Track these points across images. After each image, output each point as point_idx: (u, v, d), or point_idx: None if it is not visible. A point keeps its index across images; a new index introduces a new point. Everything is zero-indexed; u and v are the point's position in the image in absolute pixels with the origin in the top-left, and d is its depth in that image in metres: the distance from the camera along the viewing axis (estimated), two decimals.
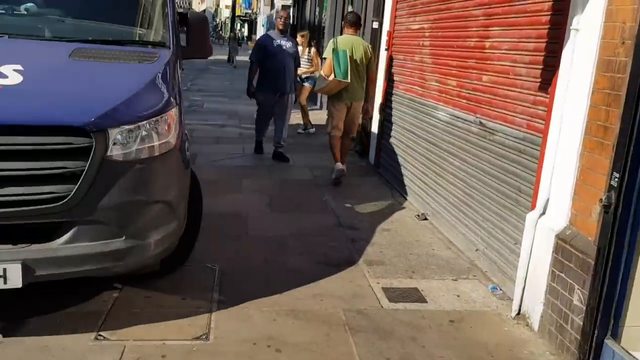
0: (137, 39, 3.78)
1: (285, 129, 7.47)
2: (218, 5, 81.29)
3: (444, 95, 5.27)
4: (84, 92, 2.98)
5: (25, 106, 2.74)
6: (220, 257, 4.14)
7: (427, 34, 5.80)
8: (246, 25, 62.99)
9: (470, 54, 4.68)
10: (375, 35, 7.53)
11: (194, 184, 3.77)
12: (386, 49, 7.06)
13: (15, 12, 3.61)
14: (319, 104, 12.07)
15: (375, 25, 7.50)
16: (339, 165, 6.43)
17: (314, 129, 9.38)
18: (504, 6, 4.21)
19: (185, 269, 3.84)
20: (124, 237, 2.91)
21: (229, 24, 43.67)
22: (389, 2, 7.05)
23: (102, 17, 3.83)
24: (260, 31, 38.06)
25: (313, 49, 9.66)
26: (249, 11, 52.77)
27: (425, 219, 5.34)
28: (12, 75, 2.84)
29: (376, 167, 7.17)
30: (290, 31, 8.34)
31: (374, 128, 7.41)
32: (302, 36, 9.50)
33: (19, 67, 2.91)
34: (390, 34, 6.94)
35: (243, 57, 32.80)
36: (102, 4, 3.95)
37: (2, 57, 3.00)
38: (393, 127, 6.66)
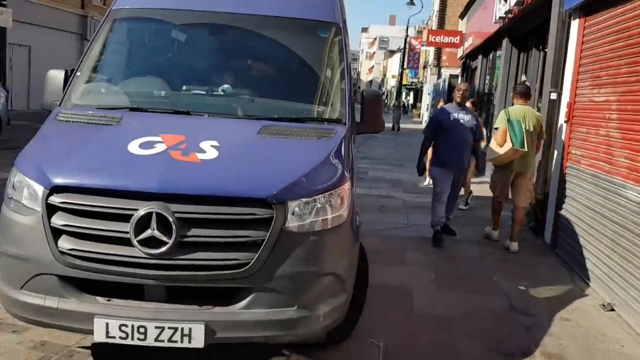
0: (316, 116, 3.98)
1: (456, 204, 7.25)
2: (385, 75, 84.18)
3: (634, 173, 4.78)
4: (268, 166, 3.18)
5: (218, 179, 2.98)
6: (384, 333, 4.05)
7: (614, 107, 5.37)
8: (411, 94, 64.15)
9: None
10: (553, 106, 7.15)
11: (361, 256, 3.78)
12: (566, 121, 6.66)
13: (214, 93, 4.03)
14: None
15: (554, 96, 7.12)
16: (495, 233, 6.94)
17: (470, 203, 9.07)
18: None
19: (350, 341, 3.81)
20: (295, 307, 2.98)
21: (395, 93, 44.82)
22: (569, 72, 6.70)
23: (286, 96, 4.11)
24: (426, 99, 38.46)
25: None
26: (415, 80, 53.78)
27: (612, 309, 4.76)
28: (210, 151, 3.13)
29: (552, 247, 6.63)
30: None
31: (551, 204, 6.92)
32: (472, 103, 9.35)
33: (215, 142, 3.21)
34: (570, 106, 6.55)
35: (407, 125, 33.33)
36: (287, 84, 4.25)
37: (202, 133, 3.34)
38: (573, 204, 6.16)
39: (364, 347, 3.82)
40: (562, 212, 6.43)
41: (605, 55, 5.69)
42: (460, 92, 6.95)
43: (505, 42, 11.81)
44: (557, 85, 7.07)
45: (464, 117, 6.76)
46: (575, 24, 6.67)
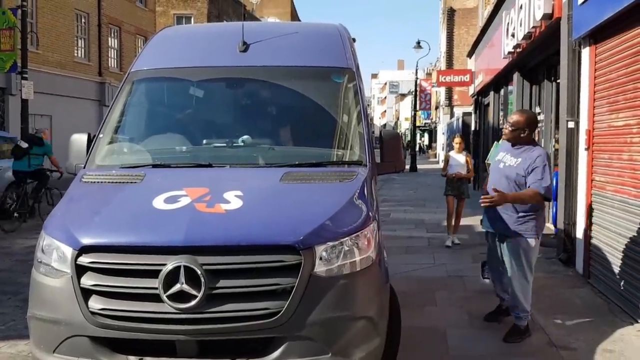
0: (336, 159, 4.00)
1: (518, 294, 4.77)
2: (398, 118, 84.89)
3: None
4: (293, 212, 3.19)
5: (244, 228, 2.99)
6: None
7: (635, 130, 5.32)
8: (426, 135, 64.44)
9: None
10: (572, 134, 7.10)
11: (392, 298, 3.71)
12: (586, 149, 6.60)
13: (234, 144, 4.09)
14: None
15: (571, 124, 7.08)
16: None
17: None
18: None
19: None
20: (330, 354, 2.91)
21: (409, 135, 45.06)
22: (585, 100, 6.69)
23: (306, 142, 4.16)
24: (441, 139, 38.55)
25: (466, 153, 9.28)
26: (428, 121, 54.11)
27: None
28: (234, 201, 3.15)
29: (586, 277, 6.45)
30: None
31: (579, 233, 6.78)
32: (458, 143, 9.18)
33: (239, 192, 3.23)
34: (589, 133, 6.51)
35: (424, 165, 33.31)
36: (306, 130, 4.30)
37: (225, 184, 3.37)
38: (603, 231, 6.03)
39: None
40: (593, 240, 6.29)
41: (621, 80, 5.68)
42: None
43: (516, 76, 11.87)
44: (574, 114, 7.04)
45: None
46: (586, 52, 6.70)
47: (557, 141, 8.56)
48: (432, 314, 5.40)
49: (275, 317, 2.82)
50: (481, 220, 5.03)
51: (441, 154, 36.54)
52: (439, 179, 25.72)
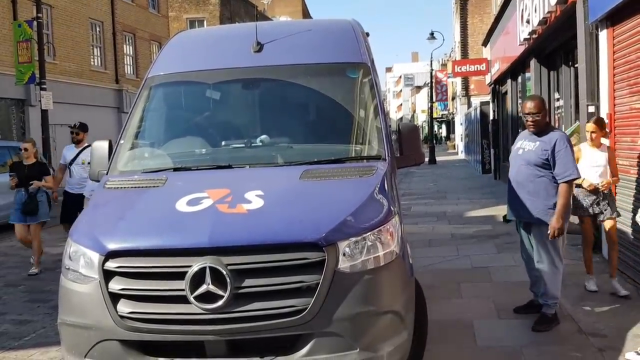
0: (355, 155, 4.00)
1: (548, 281, 4.70)
2: (414, 111, 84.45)
3: None
4: (315, 210, 3.19)
5: (267, 227, 3.00)
6: None
7: None
8: (443, 126, 64.04)
9: None
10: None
11: (417, 292, 3.69)
12: (608, 132, 6.49)
13: (252, 144, 4.11)
14: None
15: (592, 109, 6.98)
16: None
17: None
18: None
19: None
20: (357, 350, 2.91)
21: (427, 127, 44.80)
22: (605, 83, 6.59)
23: (324, 139, 4.16)
24: (459, 130, 38.24)
25: (607, 147, 5.94)
26: (445, 112, 53.74)
27: None
28: (255, 200, 3.16)
29: None
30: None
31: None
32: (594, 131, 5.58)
33: (259, 192, 3.24)
34: (611, 116, 6.41)
35: (442, 157, 33.09)
36: (323, 127, 4.30)
37: (246, 184, 3.38)
38: (628, 215, 5.94)
39: None
40: (619, 225, 6.18)
41: None
42: (530, 118, 4.74)
43: (533, 62, 11.73)
44: (594, 98, 6.94)
45: (529, 145, 4.78)
46: (603, 35, 6.59)
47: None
48: (458, 306, 5.37)
49: (302, 315, 2.83)
50: (505, 214, 5.06)
51: (460, 145, 36.25)
52: (458, 170, 25.62)
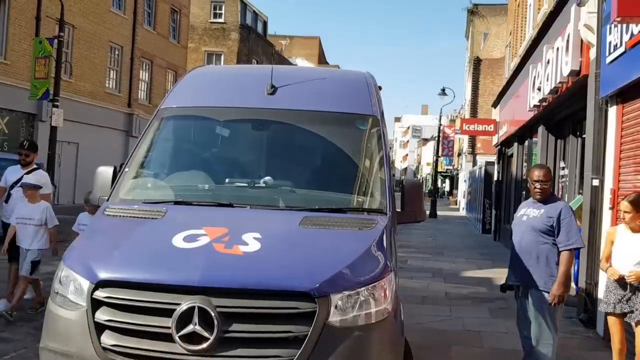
0: (356, 206, 3.99)
1: (543, 350, 4.64)
2: (419, 163, 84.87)
3: None
4: (310, 258, 3.16)
5: (261, 272, 2.96)
6: None
7: None
8: (447, 181, 64.24)
9: None
10: (596, 192, 7.01)
11: (406, 352, 3.62)
12: (610, 208, 6.50)
13: (256, 185, 4.11)
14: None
15: (596, 182, 7.00)
16: None
17: None
18: None
19: None
20: None
21: (430, 180, 44.95)
22: (611, 159, 6.63)
23: (327, 186, 4.16)
24: (462, 186, 38.32)
25: None
26: (450, 167, 54.00)
27: None
28: (252, 243, 3.14)
29: (607, 340, 6.22)
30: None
31: (601, 294, 6.60)
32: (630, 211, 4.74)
33: (257, 235, 3.22)
34: (614, 192, 6.42)
35: (444, 212, 33.04)
36: (327, 175, 4.31)
37: (245, 225, 3.37)
38: None
39: None
40: None
41: None
42: (537, 186, 4.72)
43: (541, 129, 11.84)
44: (599, 172, 6.97)
45: (534, 212, 4.78)
46: (612, 111, 6.67)
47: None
48: None
49: None
50: (507, 277, 5.03)
51: (462, 202, 36.26)
52: (458, 227, 25.51)
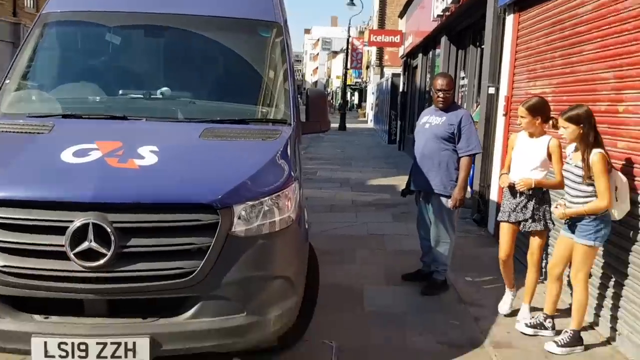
0: (260, 117, 3.93)
1: (441, 249, 5.02)
2: (329, 76, 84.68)
3: None
4: (211, 170, 3.10)
5: (159, 185, 2.88)
6: (336, 333, 4.03)
7: (550, 98, 5.52)
8: (356, 94, 64.88)
9: (601, 119, 4.36)
10: (492, 100, 7.34)
11: (311, 257, 3.74)
12: (504, 115, 6.84)
13: (152, 96, 3.90)
14: None
15: (492, 90, 7.31)
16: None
17: None
18: (638, 68, 3.92)
19: (302, 344, 3.75)
20: (245, 313, 2.91)
21: (340, 93, 45.17)
22: (506, 67, 6.89)
23: (229, 97, 4.04)
24: (370, 99, 38.87)
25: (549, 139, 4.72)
26: (359, 80, 54.37)
27: None
28: (149, 156, 3.02)
29: (497, 237, 6.78)
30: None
31: (493, 195, 7.10)
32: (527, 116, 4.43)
33: (154, 148, 3.09)
34: (508, 99, 6.73)
35: (352, 124, 33.59)
36: (229, 85, 4.17)
37: (140, 138, 3.22)
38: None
39: (317, 349, 3.79)
40: None
41: (540, 49, 5.87)
42: (439, 95, 4.91)
43: (443, 39, 12.06)
44: (495, 80, 7.25)
45: (436, 120, 4.97)
46: (510, 19, 6.86)
47: (478, 104, 8.82)
48: (351, 272, 5.53)
49: (190, 277, 2.76)
50: (407, 182, 5.31)
51: (370, 114, 36.90)
52: (366, 139, 26.09)
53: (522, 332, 4.17)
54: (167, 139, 3.32)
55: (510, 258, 4.46)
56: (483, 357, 3.81)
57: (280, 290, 3.07)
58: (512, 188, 4.31)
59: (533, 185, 4.17)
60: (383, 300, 4.79)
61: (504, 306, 4.55)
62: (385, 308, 4.62)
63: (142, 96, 3.92)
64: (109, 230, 2.66)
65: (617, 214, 3.87)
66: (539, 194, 4.24)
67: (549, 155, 4.20)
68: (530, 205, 4.24)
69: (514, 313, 4.48)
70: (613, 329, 4.10)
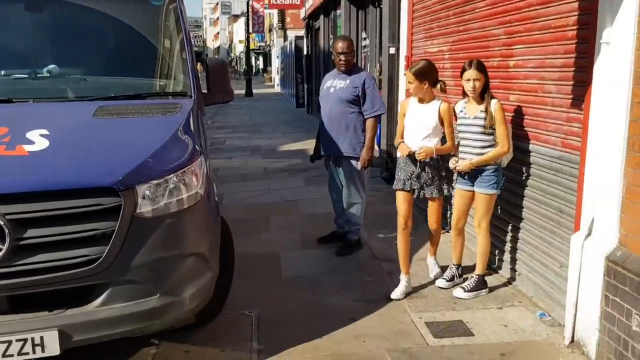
0: (158, 90, 3.77)
1: (353, 210, 5.14)
2: (232, 41, 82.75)
3: None
4: (109, 151, 2.96)
5: (52, 171, 2.71)
6: (255, 302, 4.06)
7: (447, 56, 5.73)
8: (261, 58, 63.92)
9: (494, 73, 4.56)
10: (393, 60, 7.49)
11: (224, 230, 3.70)
12: (405, 74, 7.00)
13: (38, 75, 3.63)
14: None
15: (392, 50, 7.46)
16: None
17: None
18: (526, 24, 4.12)
19: (221, 318, 3.77)
20: (158, 295, 2.84)
21: (244, 58, 44.36)
22: (404, 27, 7.02)
23: (123, 72, 3.84)
24: (275, 63, 38.48)
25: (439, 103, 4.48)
26: (263, 44, 53.52)
27: None
28: (39, 141, 2.83)
29: None
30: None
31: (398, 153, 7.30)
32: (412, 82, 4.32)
33: (44, 131, 2.90)
34: (408, 59, 6.88)
35: (260, 90, 33.23)
36: (122, 59, 3.96)
37: (28, 122, 3.00)
38: None
39: (236, 321, 3.80)
40: None
41: (435, 8, 6.01)
42: (341, 58, 4.95)
43: (343, 0, 12.07)
44: (395, 40, 7.39)
45: (340, 83, 5.00)
46: None
47: (381, 68, 8.96)
48: (266, 240, 5.55)
49: (96, 264, 2.65)
50: (314, 148, 5.40)
51: (276, 78, 36.58)
52: (273, 104, 25.93)
53: (440, 287, 4.33)
54: (58, 121, 3.12)
55: (409, 225, 4.29)
56: (398, 310, 3.97)
57: (194, 268, 3.02)
58: (410, 156, 4.13)
59: (434, 154, 4.06)
60: (300, 265, 4.86)
61: (395, 293, 4.15)
62: (302, 272, 4.69)
63: (27, 76, 3.65)
64: (1, 223, 2.49)
65: (505, 160, 4.15)
66: (434, 161, 4.12)
67: (441, 121, 4.09)
68: (425, 173, 4.12)
69: (422, 264, 4.68)
70: (513, 270, 4.40)
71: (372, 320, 3.82)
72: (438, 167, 4.18)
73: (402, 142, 4.25)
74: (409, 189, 4.21)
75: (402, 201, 4.31)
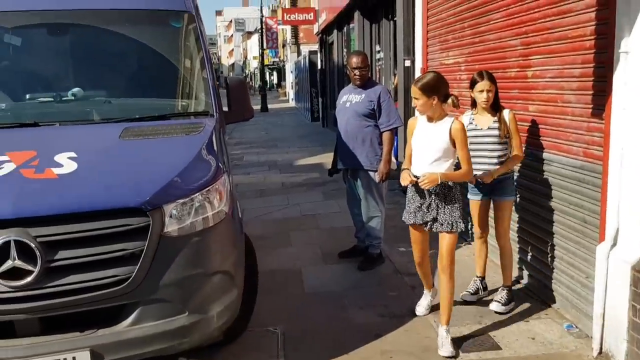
0: (181, 110, 3.83)
1: (373, 223, 5.15)
2: (246, 57, 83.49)
3: None
4: (136, 172, 3.01)
5: (81, 194, 2.76)
6: (279, 318, 4.07)
7: (463, 68, 5.74)
8: (275, 73, 64.38)
9: (512, 84, 4.58)
10: (409, 73, 7.52)
11: (247, 246, 3.73)
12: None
13: (63, 98, 3.71)
14: None
15: (408, 63, 7.49)
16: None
17: None
18: (543, 34, 4.12)
19: (247, 335, 3.78)
20: (187, 313, 2.87)
21: (258, 74, 44.68)
22: (419, 39, 7.05)
23: (146, 93, 3.91)
24: (290, 78, 38.72)
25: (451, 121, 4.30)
26: (277, 59, 53.91)
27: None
28: (67, 164, 2.89)
29: None
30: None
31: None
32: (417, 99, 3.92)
33: (72, 154, 2.96)
34: (423, 71, 6.90)
35: (274, 105, 33.42)
36: (145, 81, 4.03)
37: (55, 145, 3.07)
38: None
39: (262, 337, 3.81)
40: None
41: (450, 20, 6.04)
42: (356, 73, 4.98)
43: (357, 14, 12.15)
44: (410, 53, 7.42)
45: (355, 98, 5.02)
46: None
47: (395, 77, 8.99)
48: (287, 255, 5.56)
49: (126, 284, 2.70)
50: (332, 162, 5.43)
51: (291, 93, 36.79)
52: (289, 118, 26.05)
53: (465, 300, 4.29)
54: (85, 143, 3.18)
55: (426, 260, 4.00)
56: (423, 324, 3.96)
57: (220, 285, 3.05)
58: (415, 185, 3.62)
59: (439, 181, 3.49)
60: (322, 280, 4.87)
61: (419, 308, 4.09)
62: (324, 287, 4.69)
63: (52, 99, 3.72)
64: (32, 245, 2.54)
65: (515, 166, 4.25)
66: (445, 190, 3.58)
67: (453, 142, 3.54)
68: (435, 203, 3.60)
69: None
70: (538, 282, 4.36)
71: (397, 335, 3.81)
72: (450, 197, 3.60)
73: (406, 168, 3.73)
74: (420, 221, 3.69)
75: (415, 241, 3.87)
